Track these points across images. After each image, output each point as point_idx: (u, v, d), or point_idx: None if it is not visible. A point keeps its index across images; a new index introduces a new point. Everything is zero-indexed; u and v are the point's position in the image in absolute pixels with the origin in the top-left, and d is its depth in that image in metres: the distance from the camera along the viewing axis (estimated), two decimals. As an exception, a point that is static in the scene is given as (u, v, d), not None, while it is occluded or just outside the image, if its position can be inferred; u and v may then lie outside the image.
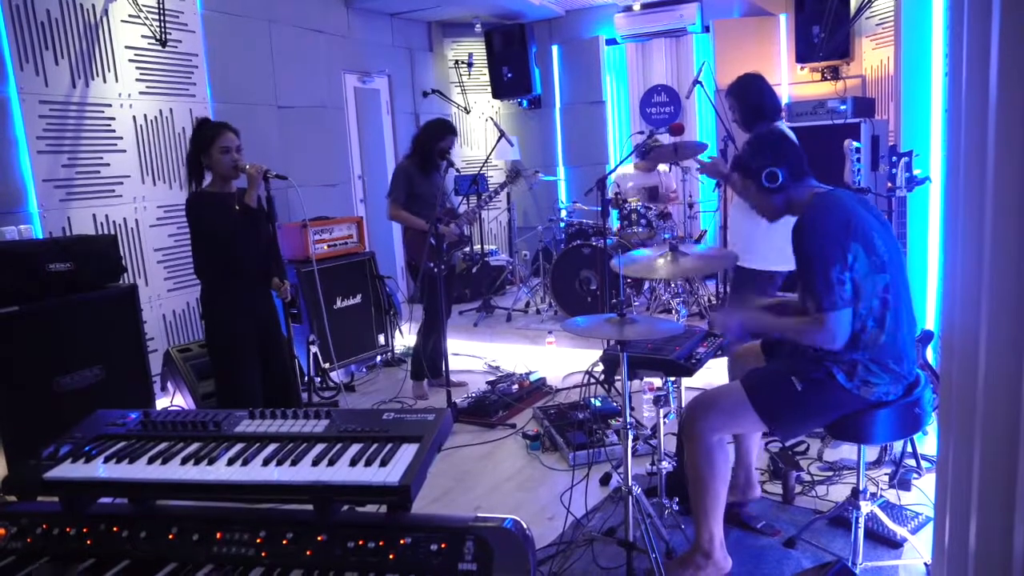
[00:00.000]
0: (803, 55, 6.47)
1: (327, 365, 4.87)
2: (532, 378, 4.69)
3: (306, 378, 4.73)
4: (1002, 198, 1.36)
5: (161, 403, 4.23)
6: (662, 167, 6.37)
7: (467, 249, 7.29)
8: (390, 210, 4.56)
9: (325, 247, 5.13)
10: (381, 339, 5.50)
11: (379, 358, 5.55)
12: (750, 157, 2.48)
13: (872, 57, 6.25)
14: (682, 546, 2.73)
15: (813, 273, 2.22)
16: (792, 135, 3.52)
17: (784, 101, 6.09)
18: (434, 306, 4.47)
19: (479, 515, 1.38)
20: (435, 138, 4.51)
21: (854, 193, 2.48)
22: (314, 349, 4.82)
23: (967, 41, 1.47)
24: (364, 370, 5.44)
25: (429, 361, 4.68)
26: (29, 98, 3.99)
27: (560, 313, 6.12)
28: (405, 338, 5.80)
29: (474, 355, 5.60)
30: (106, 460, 1.52)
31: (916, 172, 3.39)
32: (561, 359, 5.30)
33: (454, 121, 8.05)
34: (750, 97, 3.52)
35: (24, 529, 1.47)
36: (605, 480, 3.39)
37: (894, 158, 3.38)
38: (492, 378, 4.80)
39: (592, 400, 4.03)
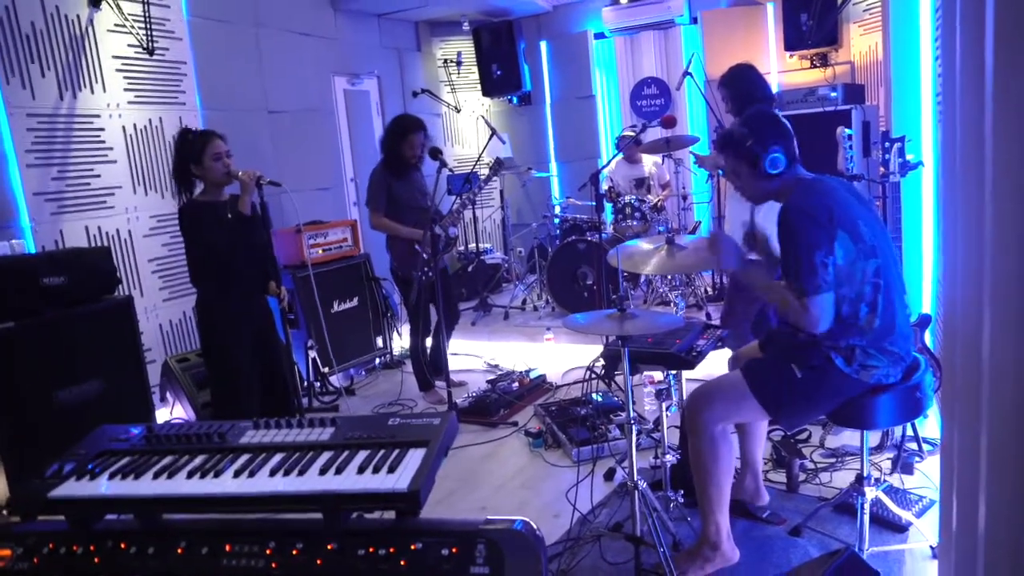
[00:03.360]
0: (791, 43, 6.48)
1: (326, 369, 4.86)
2: (532, 375, 4.69)
3: (305, 383, 4.73)
4: (1001, 179, 1.36)
5: (161, 414, 4.22)
6: (654, 158, 6.37)
7: (461, 248, 7.30)
8: (372, 219, 4.46)
9: (320, 251, 5.12)
10: (379, 342, 5.49)
11: (378, 361, 5.54)
12: (748, 138, 2.39)
13: (860, 43, 6.26)
14: (689, 538, 2.73)
15: (797, 257, 2.22)
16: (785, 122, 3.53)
17: (774, 90, 6.09)
18: (418, 308, 4.48)
19: (489, 518, 1.37)
20: (396, 137, 4.37)
21: (839, 179, 2.47)
22: (312, 354, 4.81)
23: (960, 18, 1.46)
24: (363, 373, 5.43)
25: (432, 361, 4.67)
26: (16, 111, 3.96)
27: (557, 309, 6.13)
28: (403, 340, 5.79)
29: (473, 354, 5.60)
30: (111, 477, 1.51)
31: (909, 157, 3.40)
32: (560, 355, 5.30)
33: (445, 120, 8.06)
34: (743, 87, 3.53)
35: (30, 549, 1.45)
36: (609, 475, 3.40)
37: (887, 144, 3.38)
38: (492, 377, 4.80)
39: (593, 395, 4.03)
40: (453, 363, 4.52)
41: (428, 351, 4.72)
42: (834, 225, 2.22)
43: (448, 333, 4.62)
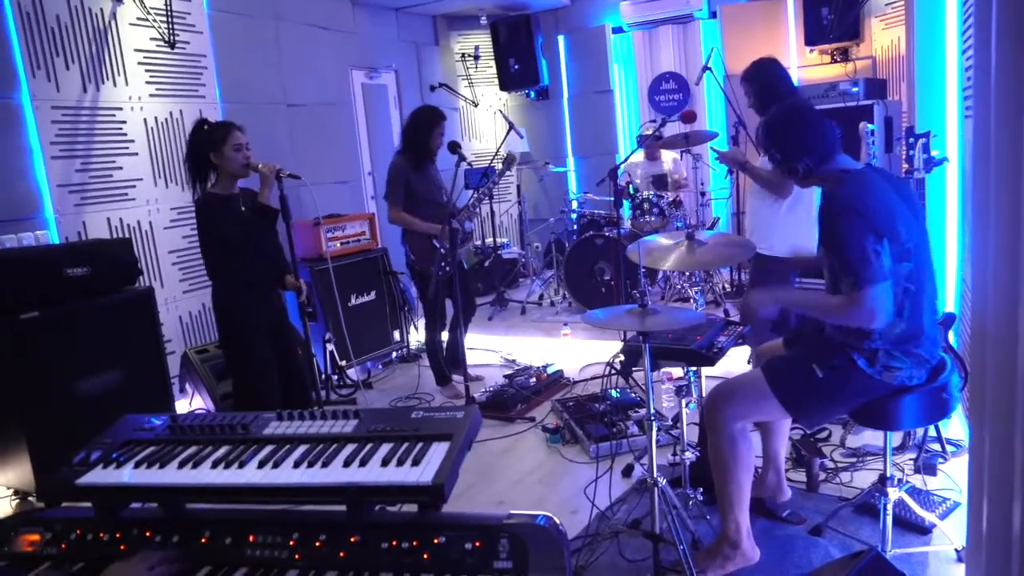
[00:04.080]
0: (812, 38, 6.40)
1: (344, 362, 4.87)
2: (549, 371, 4.68)
3: (323, 376, 4.75)
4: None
5: (180, 404, 4.25)
6: (673, 154, 6.33)
7: (478, 243, 7.31)
8: (391, 213, 4.43)
9: (338, 244, 5.13)
10: (396, 335, 5.50)
11: (395, 354, 5.55)
12: (768, 141, 2.42)
13: (882, 37, 6.18)
14: (708, 537, 2.71)
15: (847, 249, 2.13)
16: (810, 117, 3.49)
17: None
18: (436, 303, 4.51)
19: (512, 512, 1.37)
20: (429, 127, 4.34)
21: (883, 173, 2.41)
22: (330, 347, 4.83)
23: (996, 9, 1.43)
24: (380, 367, 5.44)
25: (450, 355, 4.67)
26: (42, 104, 4.00)
27: (574, 305, 6.11)
28: (420, 334, 5.80)
29: (490, 349, 5.60)
30: (136, 465, 1.52)
31: (934, 153, 3.35)
32: (577, 351, 5.29)
33: (462, 115, 8.07)
34: (765, 81, 3.48)
35: (58, 535, 1.47)
36: (627, 472, 3.38)
37: (911, 139, 3.33)
38: (509, 371, 4.79)
39: (610, 391, 4.01)
40: (470, 358, 4.51)
41: (444, 345, 4.72)
42: (876, 225, 2.13)
43: (465, 327, 4.62)
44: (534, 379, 4.53)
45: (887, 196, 2.24)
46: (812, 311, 2.40)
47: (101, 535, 1.46)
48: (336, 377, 4.91)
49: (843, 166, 2.34)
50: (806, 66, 6.76)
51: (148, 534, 1.45)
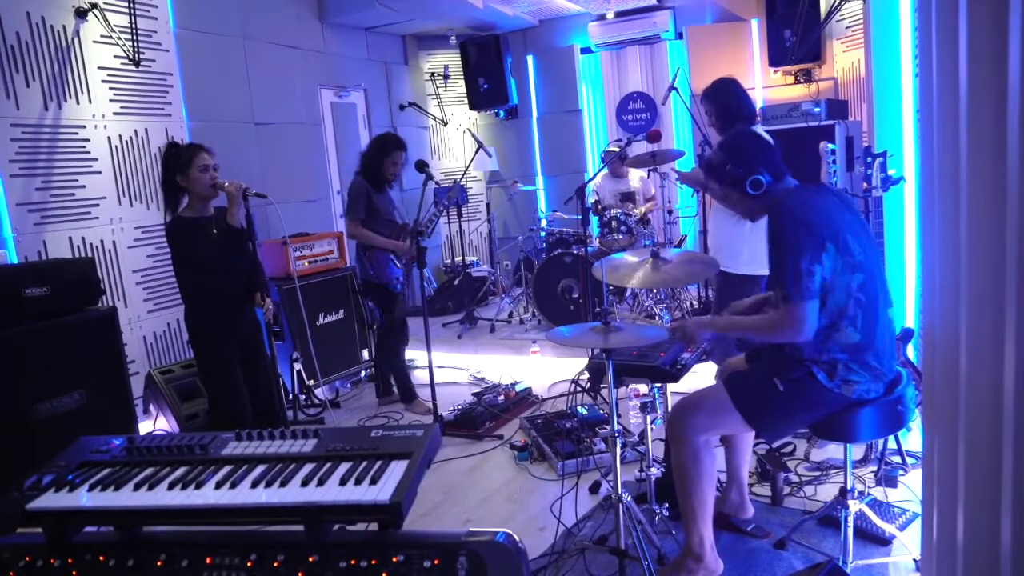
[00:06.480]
0: (776, 59, 6.55)
1: (311, 382, 4.83)
2: (518, 388, 4.68)
3: (290, 396, 4.70)
4: (976, 195, 1.38)
5: (144, 426, 4.18)
6: (640, 172, 6.41)
7: (447, 261, 7.32)
8: (350, 228, 4.47)
9: (306, 263, 5.10)
10: (365, 354, 5.47)
11: (363, 373, 5.51)
12: (729, 163, 2.43)
13: (843, 59, 6.34)
14: (673, 552, 2.72)
15: (783, 262, 2.22)
16: (767, 137, 3.56)
17: (758, 105, 6.16)
18: (393, 321, 4.61)
19: (471, 530, 1.37)
20: (381, 154, 4.48)
21: (832, 189, 2.49)
22: (298, 366, 4.79)
23: (936, 39, 1.49)
24: (348, 386, 5.40)
25: (383, 377, 4.83)
26: (0, 122, 3.94)
27: (543, 322, 6.13)
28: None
29: (459, 367, 5.59)
30: (91, 488, 1.49)
31: (891, 172, 3.44)
32: (546, 368, 5.30)
33: (432, 133, 8.10)
34: (725, 100, 3.56)
35: (6, 563, 1.44)
36: (594, 488, 3.39)
37: (869, 159, 3.42)
38: (477, 389, 4.79)
39: (578, 408, 4.03)
40: (438, 376, 4.51)
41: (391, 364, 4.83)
42: (822, 234, 2.21)
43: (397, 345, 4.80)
44: (503, 397, 4.53)
45: (834, 208, 2.31)
46: (747, 333, 2.47)
47: (52, 561, 1.43)
48: (304, 397, 4.87)
49: (788, 187, 2.43)
50: (770, 87, 6.90)
51: (102, 559, 1.43)
